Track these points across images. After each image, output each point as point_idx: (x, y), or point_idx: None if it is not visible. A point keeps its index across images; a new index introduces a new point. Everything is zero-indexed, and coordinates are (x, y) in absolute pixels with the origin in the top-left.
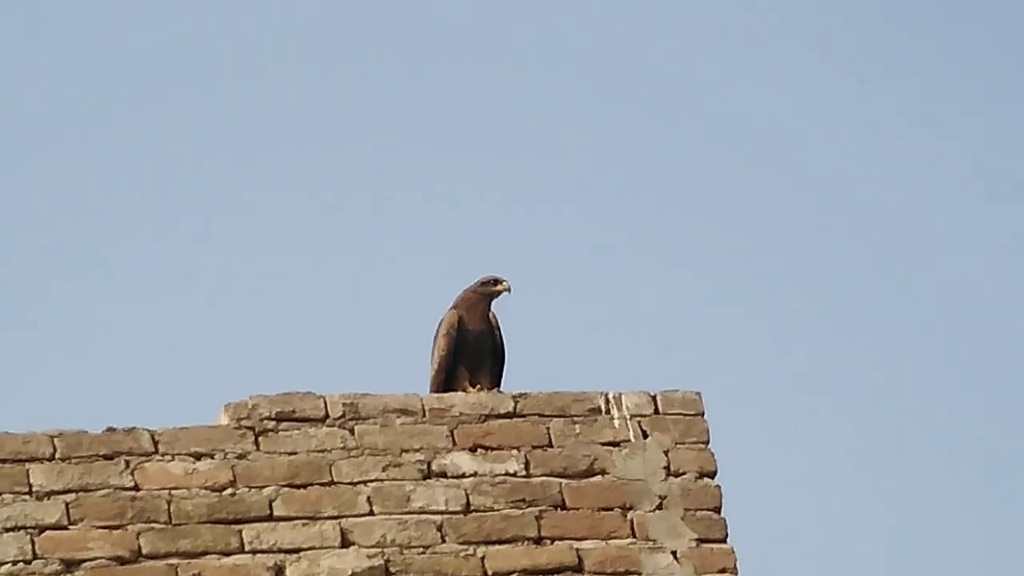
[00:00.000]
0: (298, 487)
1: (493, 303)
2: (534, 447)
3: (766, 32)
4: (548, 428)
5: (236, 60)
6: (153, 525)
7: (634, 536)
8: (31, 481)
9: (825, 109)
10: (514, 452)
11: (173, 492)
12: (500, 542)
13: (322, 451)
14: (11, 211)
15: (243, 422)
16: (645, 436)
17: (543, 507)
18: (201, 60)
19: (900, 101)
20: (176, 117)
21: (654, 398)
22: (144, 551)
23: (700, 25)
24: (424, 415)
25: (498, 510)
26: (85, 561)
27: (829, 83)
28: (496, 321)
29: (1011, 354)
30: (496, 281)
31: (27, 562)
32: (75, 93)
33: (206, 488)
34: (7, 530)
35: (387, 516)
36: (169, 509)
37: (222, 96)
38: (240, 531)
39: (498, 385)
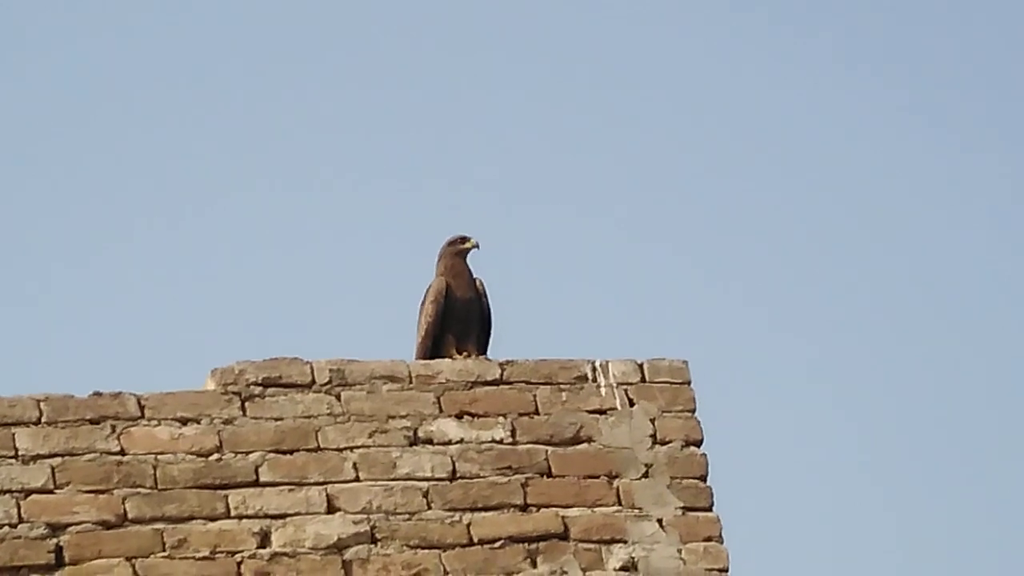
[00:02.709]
0: (284, 453)
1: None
2: (520, 414)
3: (756, 19)
4: (535, 395)
5: (222, 50)
6: (139, 490)
7: (620, 504)
8: (17, 445)
9: (812, 90)
10: (500, 419)
11: (159, 457)
12: (486, 509)
13: (308, 417)
14: (5, 186)
15: (230, 387)
16: (632, 404)
17: (529, 474)
18: (189, 51)
19: (895, 87)
20: (167, 101)
21: (641, 366)
22: (130, 516)
23: (691, 10)
24: (411, 382)
25: (484, 477)
26: (71, 525)
27: (820, 68)
28: (483, 288)
29: (997, 322)
30: (463, 239)
31: (12, 526)
32: (76, 89)
33: (192, 453)
34: None
35: (373, 482)
36: (155, 474)
37: (211, 82)
38: (226, 496)
39: (485, 352)
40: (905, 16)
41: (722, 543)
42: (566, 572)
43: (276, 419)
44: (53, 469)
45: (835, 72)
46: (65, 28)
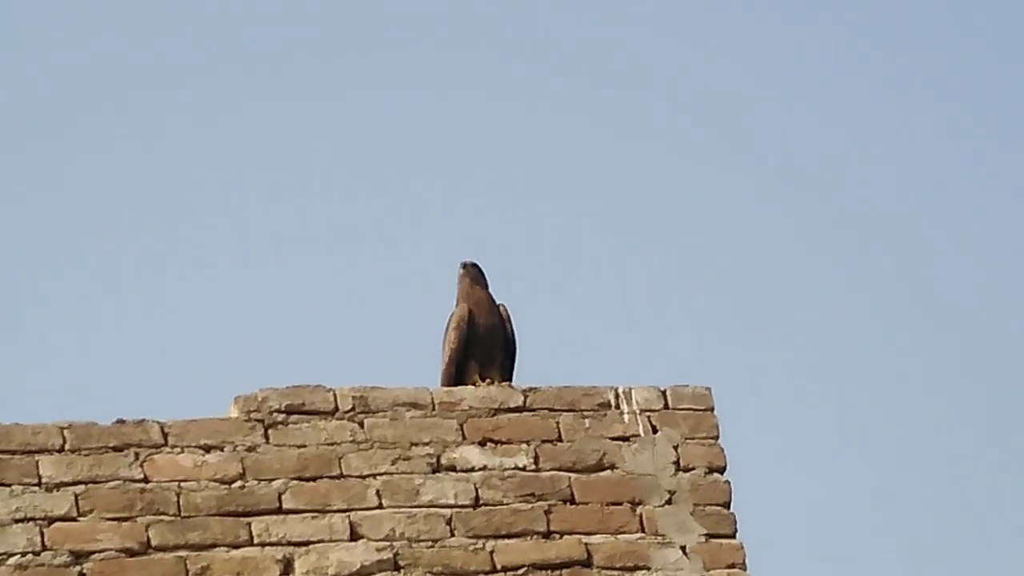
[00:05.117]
0: (307, 480)
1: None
2: (544, 441)
3: (758, 22)
4: (558, 422)
5: (235, 55)
6: (162, 517)
7: (643, 531)
8: (40, 472)
9: (822, 102)
10: (523, 446)
11: (182, 484)
12: (509, 536)
13: (331, 444)
14: (18, 200)
15: (253, 415)
16: (655, 431)
17: (552, 501)
18: (200, 56)
19: (900, 94)
20: (185, 108)
21: (664, 393)
22: (153, 543)
23: (692, 15)
24: (434, 409)
25: (507, 504)
26: (94, 553)
27: (829, 77)
28: (507, 314)
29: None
30: (462, 265)
31: (36, 553)
32: (83, 89)
33: (215, 480)
34: (16, 521)
35: (396, 509)
36: (178, 501)
37: (233, 89)
38: (249, 524)
39: (509, 379)
40: (904, 17)
41: (745, 570)
42: None
43: (299, 446)
44: (76, 496)
45: (855, 91)
46: (64, 28)
